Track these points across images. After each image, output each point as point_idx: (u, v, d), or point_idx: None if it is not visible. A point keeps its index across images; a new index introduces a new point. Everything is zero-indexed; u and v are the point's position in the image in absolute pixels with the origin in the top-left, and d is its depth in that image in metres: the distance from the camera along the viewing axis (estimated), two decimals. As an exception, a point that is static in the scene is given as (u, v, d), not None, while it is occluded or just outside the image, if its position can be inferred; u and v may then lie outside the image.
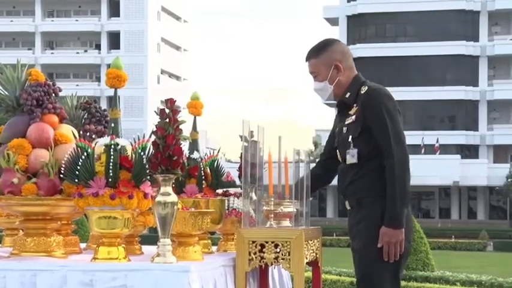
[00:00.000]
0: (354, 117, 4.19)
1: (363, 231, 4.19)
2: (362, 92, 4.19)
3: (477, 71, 57.99)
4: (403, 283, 13.31)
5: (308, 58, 4.33)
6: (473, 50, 58.36)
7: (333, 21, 63.14)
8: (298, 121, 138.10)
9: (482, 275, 14.10)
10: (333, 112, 68.76)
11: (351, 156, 4.20)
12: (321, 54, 4.27)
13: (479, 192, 56.38)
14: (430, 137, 53.10)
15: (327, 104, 64.90)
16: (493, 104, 58.53)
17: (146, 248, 4.30)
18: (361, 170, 4.17)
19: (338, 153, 4.37)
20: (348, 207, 4.36)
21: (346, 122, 4.24)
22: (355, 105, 4.22)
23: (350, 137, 4.19)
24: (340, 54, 4.29)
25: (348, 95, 4.24)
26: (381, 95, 4.16)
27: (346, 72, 4.27)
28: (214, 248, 4.46)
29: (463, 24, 58.64)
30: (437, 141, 52.15)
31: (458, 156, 54.04)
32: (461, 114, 58.71)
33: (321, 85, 4.27)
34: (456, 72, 58.15)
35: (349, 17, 60.87)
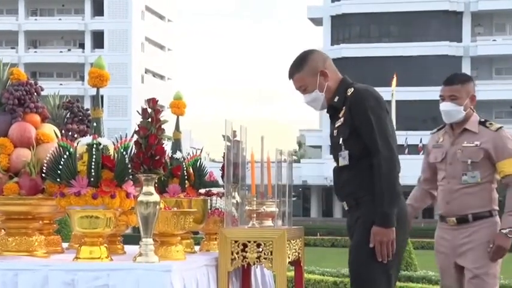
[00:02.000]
0: (342, 119, 4.22)
1: (359, 230, 4.19)
2: (349, 94, 4.21)
3: (460, 72, 58.24)
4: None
5: (291, 75, 4.32)
6: (456, 51, 58.57)
7: (317, 22, 63.20)
8: (282, 121, 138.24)
9: (464, 275, 14.14)
10: (316, 112, 68.87)
11: (343, 159, 4.21)
12: (303, 66, 4.27)
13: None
14: (413, 137, 53.28)
15: (311, 104, 64.91)
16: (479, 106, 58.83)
17: (129, 248, 4.30)
18: (353, 171, 4.18)
19: (332, 156, 4.41)
20: (346, 208, 4.35)
21: (336, 125, 4.27)
22: (344, 107, 4.24)
23: (340, 139, 4.22)
24: (322, 61, 4.30)
25: (336, 98, 4.26)
26: (366, 95, 4.18)
27: (332, 77, 4.28)
28: (196, 248, 4.46)
29: (446, 24, 58.87)
30: (420, 142, 52.34)
31: (442, 156, 54.15)
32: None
33: (312, 96, 4.28)
34: (439, 72, 58.27)
35: (333, 17, 60.91)
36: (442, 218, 5.01)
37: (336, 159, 4.31)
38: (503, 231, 4.79)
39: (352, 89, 4.21)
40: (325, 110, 4.39)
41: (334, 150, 4.30)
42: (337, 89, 4.26)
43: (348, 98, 4.20)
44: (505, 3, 58.20)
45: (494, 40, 59.58)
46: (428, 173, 5.19)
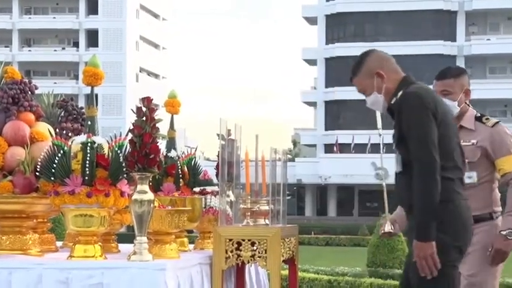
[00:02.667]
0: (394, 123, 4.05)
1: (411, 241, 3.92)
2: (398, 97, 4.02)
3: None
4: (379, 281, 13.40)
5: (351, 80, 4.20)
6: (450, 50, 58.68)
7: (312, 21, 63.23)
8: (277, 120, 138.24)
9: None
10: (312, 111, 68.96)
11: (397, 164, 4.03)
12: (359, 69, 4.13)
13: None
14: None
15: (305, 102, 65.04)
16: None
17: (123, 246, 4.29)
18: (407, 177, 3.93)
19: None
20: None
21: (394, 128, 4.07)
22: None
23: (394, 144, 4.05)
24: (379, 61, 4.12)
25: (393, 100, 4.06)
26: (412, 99, 3.93)
27: (390, 78, 4.08)
28: (191, 246, 4.46)
29: (441, 24, 58.96)
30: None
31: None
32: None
33: (372, 98, 4.11)
34: (434, 71, 58.16)
35: (327, 16, 60.96)
36: None
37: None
38: (503, 232, 4.57)
39: (401, 92, 4.01)
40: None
41: (395, 155, 4.11)
42: (396, 90, 4.06)
43: (398, 100, 4.02)
44: (499, 3, 58.32)
45: (488, 39, 59.67)
46: None
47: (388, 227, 4.58)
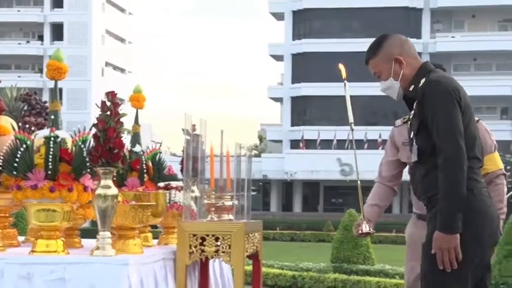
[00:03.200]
0: (413, 112, 3.94)
1: (428, 232, 3.84)
2: (420, 85, 3.88)
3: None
4: (343, 276, 13.47)
5: (367, 60, 4.05)
6: (415, 47, 58.91)
7: (279, 16, 63.30)
8: (243, 116, 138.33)
9: (421, 269, 14.30)
10: (278, 107, 69.06)
11: (413, 154, 3.91)
12: (378, 52, 3.99)
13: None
14: (373, 132, 53.71)
15: (272, 98, 65.10)
16: (435, 101, 59.40)
17: (86, 241, 4.27)
18: (424, 168, 3.85)
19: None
20: (424, 206, 4.01)
21: (410, 117, 4.00)
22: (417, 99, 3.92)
23: (412, 133, 3.94)
24: (399, 46, 3.99)
25: (411, 88, 3.94)
26: (437, 87, 3.81)
27: (409, 64, 3.96)
28: (155, 241, 4.45)
29: (406, 21, 59.36)
30: (379, 137, 52.76)
31: (401, 151, 54.55)
32: (404, 110, 59.42)
33: (387, 84, 3.99)
34: (399, 68, 58.82)
35: (294, 12, 61.07)
36: (420, 216, 4.71)
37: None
38: None
39: (424, 80, 3.87)
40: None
41: (410, 145, 4.03)
42: (413, 77, 3.93)
43: (420, 88, 3.87)
44: (464, 1, 58.92)
45: (453, 37, 60.23)
46: (392, 169, 4.90)
47: (366, 228, 4.49)
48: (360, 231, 4.49)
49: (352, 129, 4.34)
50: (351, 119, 4.30)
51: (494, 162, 4.69)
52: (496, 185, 4.66)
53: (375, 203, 4.79)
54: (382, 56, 3.98)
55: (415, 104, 3.90)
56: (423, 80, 3.86)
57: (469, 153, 3.77)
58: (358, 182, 4.45)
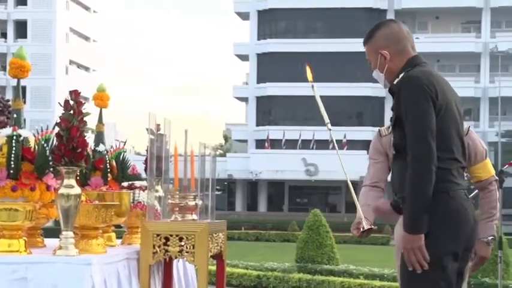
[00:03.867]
0: (392, 106, 3.86)
1: (400, 234, 3.79)
2: (397, 80, 3.82)
3: (384, 69, 59.10)
4: (308, 276, 13.53)
5: (363, 44, 4.01)
6: (380, 48, 59.52)
7: (244, 16, 63.35)
8: (208, 115, 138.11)
9: (385, 269, 14.44)
10: (243, 106, 69.09)
11: (393, 148, 3.86)
12: (369, 40, 3.95)
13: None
14: (337, 132, 53.98)
15: (237, 98, 65.11)
16: (399, 101, 59.89)
17: (49, 241, 4.24)
18: (400, 164, 3.75)
19: None
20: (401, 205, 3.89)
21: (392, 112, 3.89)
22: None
23: (390, 127, 3.92)
24: (385, 39, 3.90)
25: (395, 81, 3.86)
26: (412, 82, 3.72)
27: (396, 58, 3.87)
28: (118, 241, 4.43)
29: (371, 21, 59.41)
30: (344, 137, 53.07)
31: (365, 152, 55.08)
32: (369, 111, 59.89)
33: (375, 73, 3.96)
34: (364, 68, 59.25)
35: (260, 12, 61.16)
36: None
37: None
38: (484, 239, 4.52)
39: (402, 75, 3.81)
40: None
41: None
42: (400, 71, 3.86)
43: (397, 83, 3.81)
44: (428, 2, 59.49)
45: (417, 38, 60.55)
46: (381, 176, 4.78)
47: (367, 224, 4.26)
48: (361, 229, 4.29)
49: (330, 129, 4.26)
50: (326, 119, 4.19)
51: (486, 169, 4.72)
52: (489, 192, 4.72)
53: (369, 204, 4.64)
54: (371, 46, 3.94)
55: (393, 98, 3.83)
56: (401, 76, 3.80)
57: (445, 154, 3.68)
58: (349, 182, 4.26)
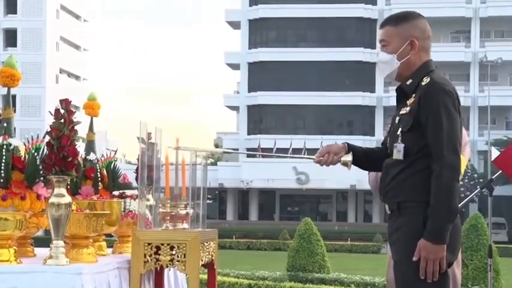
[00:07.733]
0: (408, 108, 3.75)
1: (403, 241, 3.70)
2: (423, 84, 3.73)
3: (374, 78, 59.38)
4: (299, 285, 13.51)
5: (384, 24, 3.87)
6: (370, 57, 59.66)
7: (235, 25, 63.47)
8: (199, 123, 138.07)
9: (375, 277, 14.44)
10: (234, 115, 69.12)
11: (397, 151, 3.74)
12: (400, 23, 3.82)
13: (374, 196, 57.58)
14: (329, 141, 54.07)
15: (228, 107, 65.16)
16: (389, 110, 59.96)
17: (39, 250, 4.22)
18: (407, 169, 3.71)
19: (388, 145, 3.93)
20: (388, 211, 3.85)
21: (401, 112, 3.81)
22: (413, 95, 3.76)
23: (400, 129, 3.77)
24: (420, 31, 3.82)
25: (409, 81, 3.79)
26: (443, 90, 3.68)
27: (419, 53, 3.81)
28: (109, 250, 4.42)
29: (361, 31, 59.94)
30: (335, 145, 53.17)
31: (356, 160, 54.90)
32: (359, 120, 60.02)
33: (388, 57, 3.83)
34: (354, 78, 59.43)
35: (251, 21, 61.29)
36: None
37: (390, 150, 3.84)
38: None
39: (428, 79, 3.74)
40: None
41: (391, 139, 3.85)
42: (415, 71, 3.80)
43: (422, 87, 3.73)
44: (417, 11, 59.67)
45: (407, 47, 61.01)
46: None
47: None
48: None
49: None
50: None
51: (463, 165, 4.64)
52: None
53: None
54: (401, 30, 3.82)
55: (411, 100, 3.76)
56: (427, 79, 3.74)
57: None
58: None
